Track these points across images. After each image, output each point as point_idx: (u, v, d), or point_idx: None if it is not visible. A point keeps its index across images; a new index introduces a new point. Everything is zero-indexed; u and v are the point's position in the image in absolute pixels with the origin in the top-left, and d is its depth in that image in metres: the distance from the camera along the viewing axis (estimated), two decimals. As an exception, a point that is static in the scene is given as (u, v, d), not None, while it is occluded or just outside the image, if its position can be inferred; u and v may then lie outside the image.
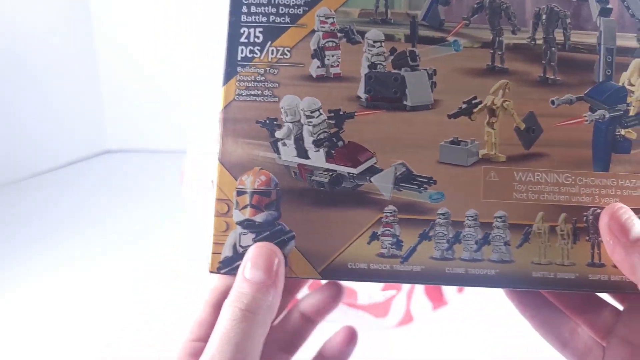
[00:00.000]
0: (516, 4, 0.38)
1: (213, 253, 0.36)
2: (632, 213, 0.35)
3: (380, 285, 0.73)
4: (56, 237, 1.04)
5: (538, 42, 0.38)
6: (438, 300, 0.83)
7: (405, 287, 0.78)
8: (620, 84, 0.38)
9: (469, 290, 0.75)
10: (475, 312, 0.73)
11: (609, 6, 0.38)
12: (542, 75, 0.38)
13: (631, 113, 0.38)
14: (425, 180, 0.37)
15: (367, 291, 0.78)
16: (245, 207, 0.37)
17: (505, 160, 0.37)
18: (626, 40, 0.38)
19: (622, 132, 0.37)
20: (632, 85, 0.38)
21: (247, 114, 0.37)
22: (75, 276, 0.91)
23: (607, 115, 0.37)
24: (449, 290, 0.81)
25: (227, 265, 0.36)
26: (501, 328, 0.66)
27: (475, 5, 0.38)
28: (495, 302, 0.51)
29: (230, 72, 0.38)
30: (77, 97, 1.52)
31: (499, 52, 0.38)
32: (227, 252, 0.36)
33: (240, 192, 0.37)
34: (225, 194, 0.37)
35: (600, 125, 0.37)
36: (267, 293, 0.33)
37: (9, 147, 1.30)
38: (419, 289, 0.81)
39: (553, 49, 0.38)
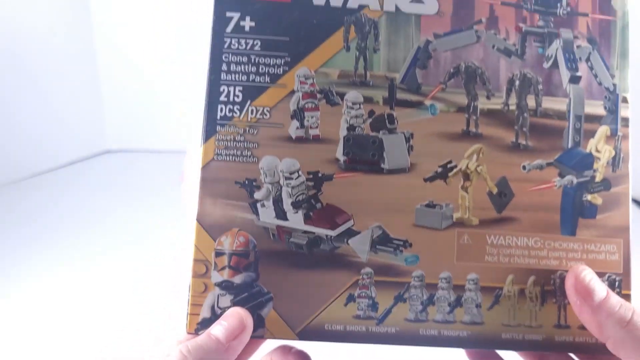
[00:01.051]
0: (491, 70, 0.36)
1: (191, 314, 0.34)
2: (594, 275, 0.34)
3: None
4: (56, 237, 1.01)
5: (511, 107, 0.36)
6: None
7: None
8: (587, 150, 0.36)
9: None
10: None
11: (578, 74, 0.36)
12: (514, 140, 0.36)
13: (597, 179, 0.36)
14: (401, 242, 0.35)
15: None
16: (223, 268, 0.34)
17: (478, 223, 0.35)
18: (594, 107, 0.36)
19: (589, 197, 0.36)
20: (598, 151, 0.36)
21: (226, 174, 0.35)
22: (75, 276, 0.88)
23: (575, 181, 0.36)
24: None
25: (205, 326, 0.33)
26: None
27: (452, 70, 0.36)
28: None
29: (209, 130, 0.35)
30: (77, 97, 1.47)
31: (474, 117, 0.36)
32: (205, 313, 0.34)
33: (218, 254, 0.35)
34: (204, 254, 0.35)
35: (569, 190, 0.36)
36: (218, 353, 0.31)
37: (9, 147, 1.25)
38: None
39: (525, 114, 0.36)
